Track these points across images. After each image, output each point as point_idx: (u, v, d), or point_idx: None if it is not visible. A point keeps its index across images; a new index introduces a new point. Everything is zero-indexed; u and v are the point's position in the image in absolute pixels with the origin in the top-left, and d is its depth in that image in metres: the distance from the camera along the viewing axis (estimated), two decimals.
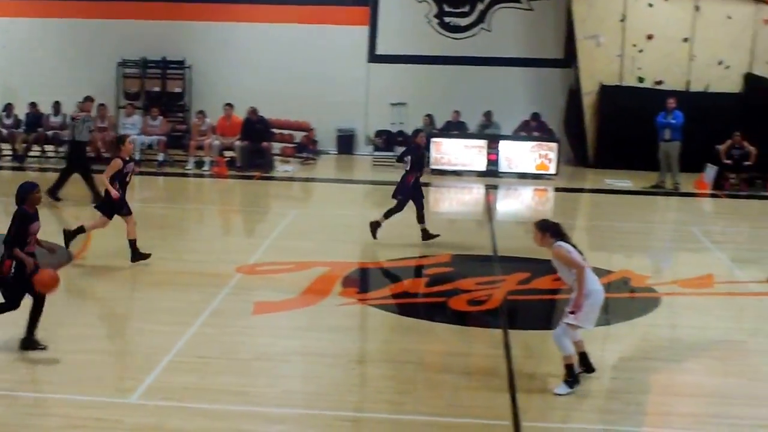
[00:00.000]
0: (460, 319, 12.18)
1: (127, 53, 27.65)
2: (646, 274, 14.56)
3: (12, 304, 9.93)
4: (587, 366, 9.94)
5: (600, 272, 14.05)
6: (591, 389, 9.86)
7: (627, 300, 13.44)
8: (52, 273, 10.07)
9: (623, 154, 24.42)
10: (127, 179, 14.16)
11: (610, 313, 12.57)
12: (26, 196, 10.06)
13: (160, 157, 24.82)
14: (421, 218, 15.95)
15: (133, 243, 13.92)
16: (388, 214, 15.86)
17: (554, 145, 24.03)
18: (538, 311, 13.03)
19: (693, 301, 13.37)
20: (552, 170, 23.79)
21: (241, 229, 18.50)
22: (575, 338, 9.83)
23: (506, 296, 13.03)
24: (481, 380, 10.05)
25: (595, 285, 9.61)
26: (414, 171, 15.89)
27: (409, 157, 15.87)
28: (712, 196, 22.06)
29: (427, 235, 15.83)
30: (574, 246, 9.63)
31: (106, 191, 14.00)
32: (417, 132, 16.66)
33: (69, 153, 19.86)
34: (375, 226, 15.78)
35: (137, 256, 13.88)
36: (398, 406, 9.15)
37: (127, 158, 14.15)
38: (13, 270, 9.82)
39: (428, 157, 17.11)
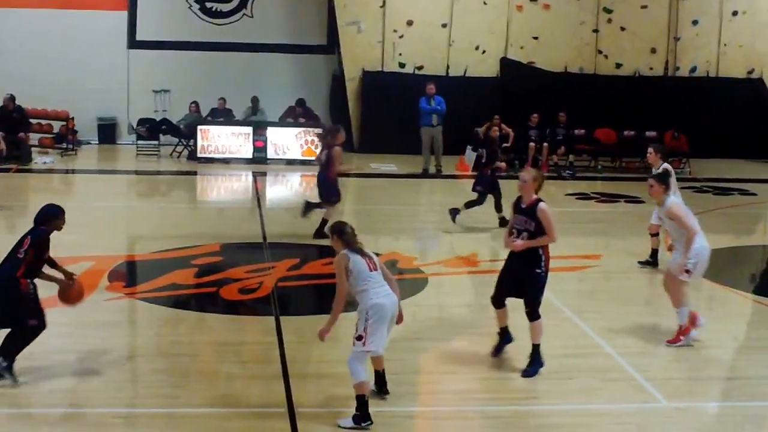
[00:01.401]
0: (232, 308, 12.10)
1: None
2: (413, 256, 14.87)
3: (42, 324, 9.31)
4: None
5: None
6: None
7: (398, 281, 13.70)
8: (78, 287, 9.83)
9: (387, 139, 24.83)
10: None
11: None
12: (52, 219, 9.48)
13: None
14: (499, 208, 16.54)
15: None
16: (468, 205, 16.54)
17: (320, 131, 24.14)
18: (309, 296, 13.07)
19: (459, 279, 13.76)
20: None
21: (1, 226, 17.68)
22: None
23: (277, 283, 13.02)
24: (255, 369, 10.03)
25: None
26: (490, 163, 16.77)
27: (483, 150, 16.64)
28: (473, 177, 22.71)
29: (503, 222, 15.75)
30: None
31: None
32: (490, 126, 17.57)
33: None
34: (454, 212, 16.57)
35: None
36: (172, 400, 9.02)
37: None
38: (32, 289, 9.27)
39: (498, 150, 17.57)
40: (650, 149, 14.33)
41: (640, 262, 14.64)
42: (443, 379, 9.95)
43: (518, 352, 10.26)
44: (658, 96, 25.01)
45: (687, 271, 10.92)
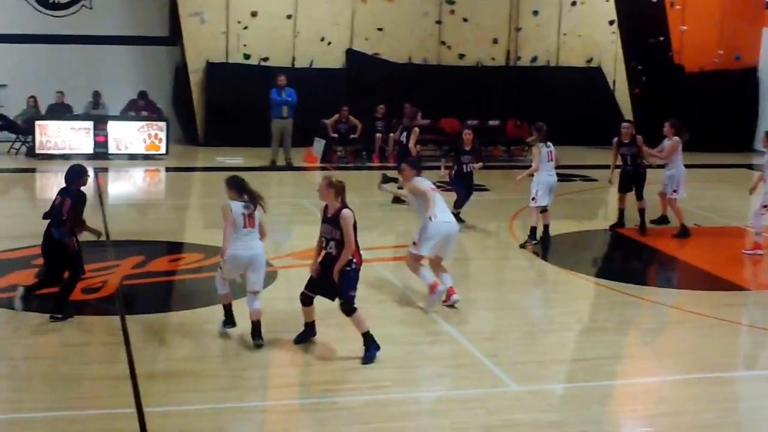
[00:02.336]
0: (76, 308, 11.77)
1: None
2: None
3: (80, 271, 11.29)
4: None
5: (205, 249, 14.17)
6: (213, 368, 10.01)
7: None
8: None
9: (233, 131, 24.61)
10: None
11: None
12: (81, 178, 11.37)
13: None
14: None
15: None
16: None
17: (163, 124, 23.75)
18: (154, 294, 12.84)
19: (308, 272, 13.72)
20: (162, 150, 23.51)
21: None
22: None
23: (122, 281, 12.78)
24: (101, 370, 9.87)
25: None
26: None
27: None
28: (322, 169, 22.78)
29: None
30: None
31: None
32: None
33: None
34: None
35: None
36: (16, 405, 8.84)
37: None
38: (77, 245, 11.14)
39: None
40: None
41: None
42: (294, 372, 10.00)
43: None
44: (500, 85, 25.56)
45: (414, 243, 11.84)
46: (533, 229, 15.34)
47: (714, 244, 16.28)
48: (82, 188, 11.41)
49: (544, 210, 15.50)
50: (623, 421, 9.29)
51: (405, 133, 18.62)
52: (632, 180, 16.31)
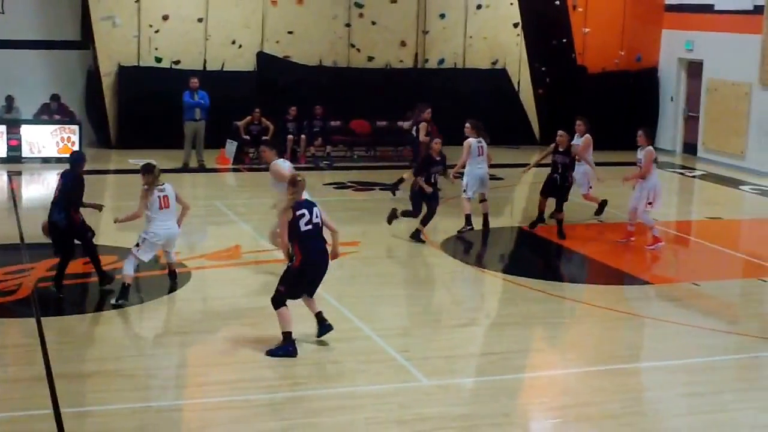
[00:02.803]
0: None
1: None
2: (176, 251, 14.84)
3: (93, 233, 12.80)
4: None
5: (119, 251, 14.20)
6: (128, 368, 10.06)
7: (159, 277, 13.69)
8: None
9: (145, 134, 24.51)
10: None
11: (143, 292, 12.78)
12: (82, 163, 12.98)
13: None
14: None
15: None
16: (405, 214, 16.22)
17: (76, 127, 23.59)
18: (70, 296, 12.83)
19: (222, 272, 13.90)
20: None
21: None
22: None
23: (37, 284, 12.77)
24: (17, 372, 9.89)
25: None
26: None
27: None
28: (234, 170, 22.85)
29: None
30: None
31: None
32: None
33: None
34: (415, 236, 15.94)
35: None
36: None
37: None
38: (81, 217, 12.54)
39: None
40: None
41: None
42: (210, 371, 10.07)
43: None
44: (409, 87, 25.77)
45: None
46: (467, 217, 16.33)
47: (616, 239, 16.71)
48: (80, 172, 12.78)
49: (483, 200, 16.67)
50: (531, 413, 9.54)
51: (415, 128, 19.82)
52: (556, 189, 16.37)
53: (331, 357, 10.54)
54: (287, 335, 10.39)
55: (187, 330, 11.35)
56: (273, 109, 23.76)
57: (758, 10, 24.05)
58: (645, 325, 12.44)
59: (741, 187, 22.22)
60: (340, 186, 20.91)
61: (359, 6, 26.32)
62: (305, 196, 10.73)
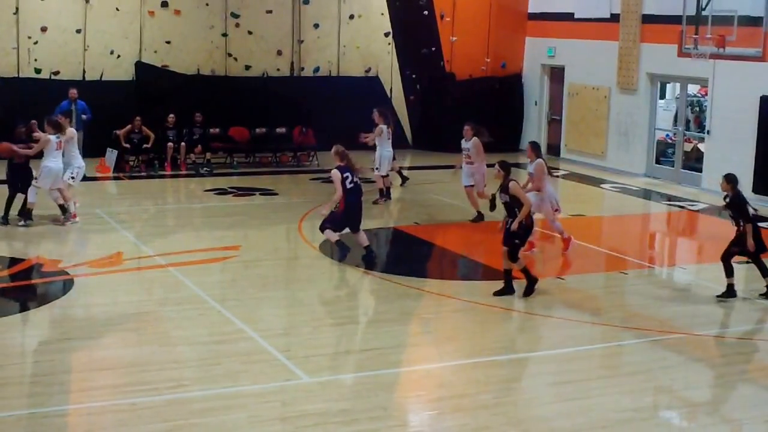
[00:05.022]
0: None
1: None
2: (58, 259, 14.90)
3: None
4: None
5: (13, 262, 14.23)
6: (13, 375, 10.12)
7: (41, 285, 13.72)
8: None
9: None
10: None
11: (26, 300, 12.81)
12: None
13: None
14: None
15: None
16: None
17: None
18: None
19: (104, 279, 13.91)
20: None
21: None
22: None
23: None
24: None
25: None
26: None
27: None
28: (115, 178, 22.74)
29: None
30: None
31: None
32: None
33: None
34: None
35: None
36: None
37: None
38: None
39: None
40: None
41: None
42: (94, 376, 10.12)
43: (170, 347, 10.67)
44: (286, 95, 26.05)
45: None
46: (381, 191, 19.88)
47: (486, 238, 17.19)
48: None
49: (386, 176, 20.04)
50: (409, 406, 9.78)
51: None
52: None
53: (215, 359, 10.67)
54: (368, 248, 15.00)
55: (71, 336, 11.39)
56: (153, 118, 23.80)
57: (615, 18, 25.14)
58: (515, 318, 12.87)
59: (602, 185, 23.09)
60: (221, 192, 21.06)
61: (235, 16, 26.54)
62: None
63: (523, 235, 13.50)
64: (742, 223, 13.43)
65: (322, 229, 15.22)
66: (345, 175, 14.91)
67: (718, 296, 13.64)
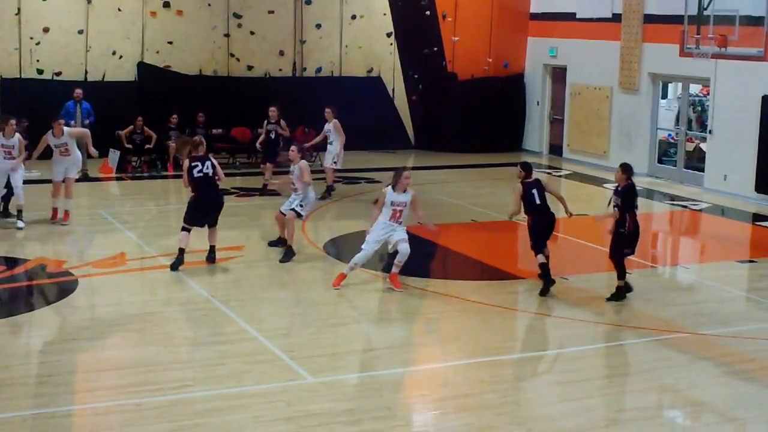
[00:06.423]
0: None
1: None
2: (63, 259, 14.93)
3: None
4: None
5: (18, 262, 14.27)
6: (18, 376, 10.13)
7: (46, 286, 13.76)
8: None
9: (29, 145, 24.13)
10: None
11: (31, 301, 12.85)
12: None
13: None
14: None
15: None
16: None
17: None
18: None
19: (108, 279, 13.95)
20: None
21: None
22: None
23: None
24: None
25: None
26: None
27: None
28: (117, 179, 22.79)
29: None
30: None
31: None
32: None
33: None
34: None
35: None
36: None
37: None
38: None
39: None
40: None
41: None
42: (99, 377, 10.15)
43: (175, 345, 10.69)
44: (288, 95, 26.08)
45: None
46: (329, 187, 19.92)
47: (489, 238, 17.33)
48: None
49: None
50: (413, 406, 9.81)
51: None
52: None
53: (218, 359, 10.69)
54: None
55: (76, 336, 11.44)
56: (155, 118, 23.85)
57: (616, 18, 25.17)
58: (519, 317, 12.94)
59: (605, 185, 23.10)
60: (224, 192, 20.98)
61: (237, 16, 26.58)
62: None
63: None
64: (627, 216, 13.17)
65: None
66: (194, 164, 14.62)
67: (608, 298, 13.50)
